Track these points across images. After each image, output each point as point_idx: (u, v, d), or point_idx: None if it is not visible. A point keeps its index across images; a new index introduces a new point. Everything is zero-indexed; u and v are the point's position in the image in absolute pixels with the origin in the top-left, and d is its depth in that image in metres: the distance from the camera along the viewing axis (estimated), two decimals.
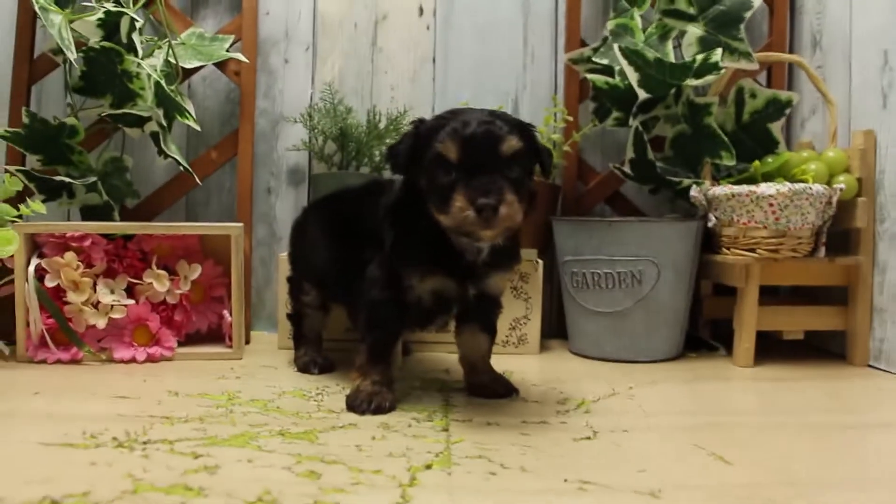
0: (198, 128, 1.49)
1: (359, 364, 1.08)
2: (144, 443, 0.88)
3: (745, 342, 1.39)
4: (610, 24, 1.56)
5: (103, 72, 1.42)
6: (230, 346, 1.39)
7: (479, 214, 0.89)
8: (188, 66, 1.53)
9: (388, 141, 1.57)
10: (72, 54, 1.34)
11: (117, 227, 1.39)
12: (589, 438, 0.94)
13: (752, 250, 1.38)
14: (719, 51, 1.39)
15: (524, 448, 0.89)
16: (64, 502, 0.69)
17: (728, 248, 1.42)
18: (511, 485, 0.77)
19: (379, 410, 1.03)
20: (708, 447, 0.91)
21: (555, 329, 1.69)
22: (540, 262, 1.48)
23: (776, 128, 1.52)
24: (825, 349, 1.55)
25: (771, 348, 1.48)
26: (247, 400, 1.09)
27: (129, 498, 0.71)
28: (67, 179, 1.43)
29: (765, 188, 1.33)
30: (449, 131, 0.93)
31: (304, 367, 1.30)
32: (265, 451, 0.86)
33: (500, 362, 1.39)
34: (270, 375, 1.27)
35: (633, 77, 1.44)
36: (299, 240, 1.34)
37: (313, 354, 1.32)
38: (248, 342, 1.56)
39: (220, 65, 1.60)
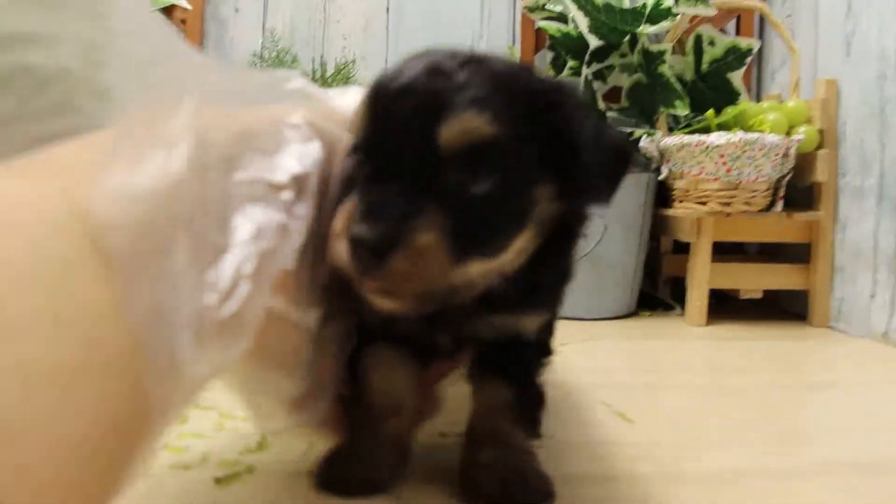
0: None
1: None
2: None
3: (696, 300, 1.33)
4: None
5: None
6: None
7: (352, 255, 0.45)
8: None
9: None
10: None
11: None
12: None
13: (704, 203, 1.32)
14: None
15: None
16: None
17: (680, 201, 1.36)
18: None
19: (340, 488, 0.58)
20: (615, 405, 0.86)
21: None
22: None
23: (737, 77, 1.45)
24: (786, 309, 1.48)
25: (729, 308, 1.43)
26: None
27: None
28: None
29: (715, 138, 1.27)
30: (372, 86, 0.49)
31: None
32: None
33: None
34: None
35: (582, 23, 1.37)
36: None
37: None
38: None
39: (166, 12, 1.55)
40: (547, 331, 0.64)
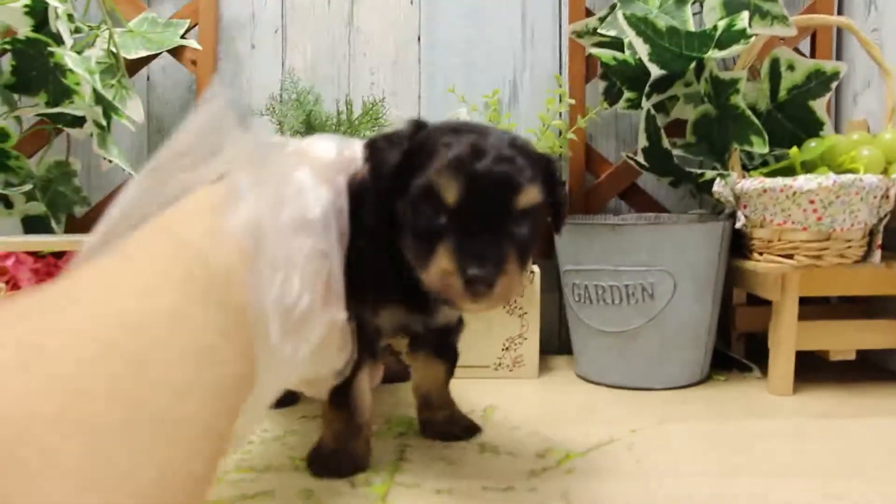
0: (132, 127, 1.32)
1: (322, 411, 0.87)
2: None
3: (781, 367, 1.15)
4: None
5: (34, 66, 1.25)
6: None
7: (467, 287, 0.66)
8: (133, 56, 1.35)
9: (365, 133, 1.37)
10: None
11: (41, 243, 1.23)
12: None
13: (790, 256, 1.14)
14: (745, 14, 1.14)
15: None
16: None
17: (760, 254, 1.18)
18: None
19: (338, 473, 0.83)
20: None
21: (565, 344, 1.47)
22: (536, 272, 1.27)
23: (820, 106, 1.27)
24: (882, 367, 1.29)
25: (816, 368, 1.24)
26: None
27: None
28: None
29: (804, 182, 1.09)
30: (452, 160, 0.67)
31: None
32: None
33: (492, 389, 1.20)
34: None
35: (642, 50, 1.20)
36: None
37: None
38: None
39: (177, 53, 1.42)
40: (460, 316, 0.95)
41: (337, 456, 0.84)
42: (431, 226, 0.68)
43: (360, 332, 0.78)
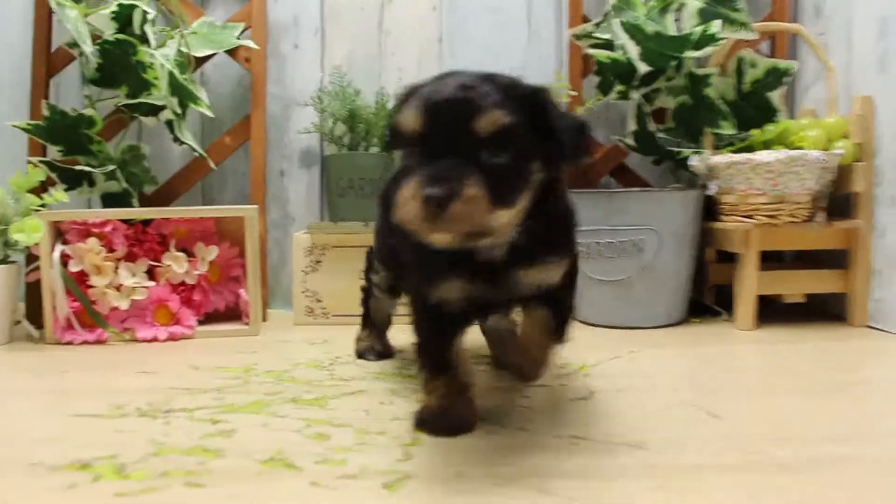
0: (210, 114, 1.55)
1: (421, 380, 0.90)
2: (166, 412, 0.94)
3: (745, 306, 1.42)
4: None
5: (118, 63, 1.47)
6: (247, 324, 1.45)
7: (423, 207, 0.65)
8: (200, 54, 1.58)
9: None
10: (87, 47, 1.40)
11: (136, 212, 1.45)
12: (585, 399, 0.98)
13: (751, 217, 1.41)
14: (717, 22, 1.41)
15: (524, 410, 0.94)
16: (94, 464, 0.76)
17: (728, 216, 1.45)
18: (508, 442, 0.82)
19: (456, 431, 0.85)
20: (700, 404, 0.95)
21: None
22: None
23: (776, 96, 1.54)
24: (827, 311, 1.57)
25: (773, 312, 1.52)
26: (263, 371, 1.15)
27: (153, 460, 0.77)
28: (87, 168, 1.49)
29: (762, 156, 1.36)
30: (416, 98, 0.70)
31: (360, 354, 1.24)
32: (278, 416, 0.92)
33: None
34: (285, 349, 1.33)
35: (633, 51, 1.46)
36: (377, 213, 1.13)
37: (373, 340, 1.25)
38: (264, 320, 1.62)
39: (231, 52, 1.65)
40: (571, 280, 0.90)
41: (446, 412, 0.86)
42: (407, 163, 0.71)
43: (433, 309, 0.83)
